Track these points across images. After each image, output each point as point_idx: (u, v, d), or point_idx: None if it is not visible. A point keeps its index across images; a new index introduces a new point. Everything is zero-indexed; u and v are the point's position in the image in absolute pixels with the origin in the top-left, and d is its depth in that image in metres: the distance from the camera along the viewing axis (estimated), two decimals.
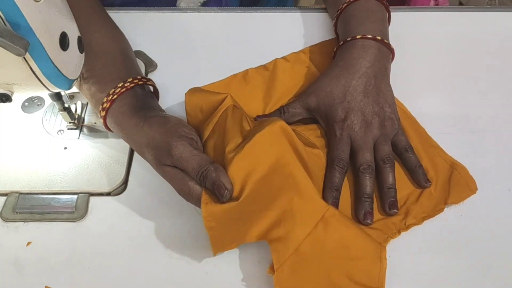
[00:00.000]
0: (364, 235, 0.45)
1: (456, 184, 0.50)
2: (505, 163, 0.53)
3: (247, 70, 0.60)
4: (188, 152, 0.45)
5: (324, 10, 0.70)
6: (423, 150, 0.53)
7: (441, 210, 0.49)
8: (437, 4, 0.89)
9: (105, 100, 0.49)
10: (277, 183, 0.45)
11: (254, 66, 0.61)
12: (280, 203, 0.44)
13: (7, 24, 0.37)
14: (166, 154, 0.45)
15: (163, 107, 0.53)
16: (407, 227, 0.48)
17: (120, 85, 0.50)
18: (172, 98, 0.58)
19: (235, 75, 0.60)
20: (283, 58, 0.62)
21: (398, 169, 0.52)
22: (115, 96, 0.49)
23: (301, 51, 0.63)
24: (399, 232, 0.48)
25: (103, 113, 0.50)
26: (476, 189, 0.50)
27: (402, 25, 0.67)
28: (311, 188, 0.45)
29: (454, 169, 0.51)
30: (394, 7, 0.71)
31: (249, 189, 0.44)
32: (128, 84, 0.50)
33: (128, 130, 0.48)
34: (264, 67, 0.61)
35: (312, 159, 0.49)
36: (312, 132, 0.54)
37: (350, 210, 0.50)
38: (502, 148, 0.54)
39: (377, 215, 0.49)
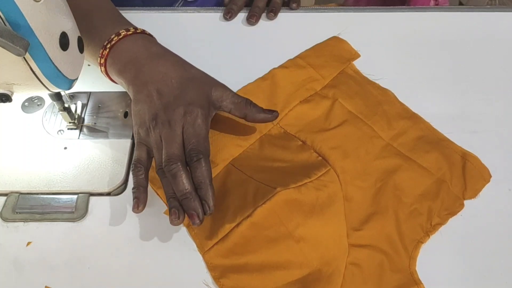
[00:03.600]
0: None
1: (471, 176, 0.51)
2: (505, 163, 0.53)
3: (246, 86, 0.59)
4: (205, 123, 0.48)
5: (324, 10, 0.70)
6: (432, 144, 0.53)
7: (462, 206, 0.49)
8: (437, 4, 0.89)
9: (114, 37, 0.51)
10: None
11: (254, 66, 0.61)
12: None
13: (7, 24, 0.37)
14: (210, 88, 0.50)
15: None
16: (433, 228, 0.48)
17: (126, 28, 0.52)
18: None
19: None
20: (281, 66, 0.61)
21: (411, 166, 0.52)
22: (130, 32, 0.52)
23: (297, 56, 0.63)
24: (427, 235, 0.48)
25: (116, 39, 0.51)
26: (490, 176, 0.51)
27: (402, 25, 0.67)
28: None
29: (466, 160, 0.52)
30: (394, 7, 0.71)
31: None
32: (134, 30, 0.52)
33: (151, 60, 0.50)
34: (262, 78, 0.60)
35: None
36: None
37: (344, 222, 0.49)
38: (502, 148, 0.54)
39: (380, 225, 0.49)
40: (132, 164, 0.48)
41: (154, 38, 0.55)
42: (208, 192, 0.45)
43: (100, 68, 0.53)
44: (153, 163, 0.49)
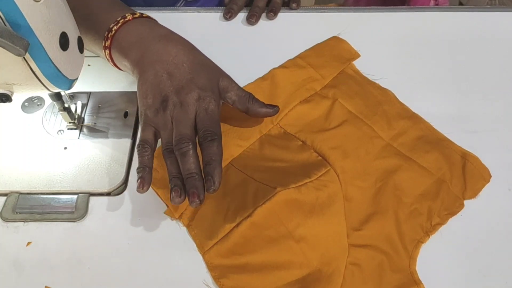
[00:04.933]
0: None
1: (471, 176, 0.51)
2: (505, 163, 0.53)
3: (246, 86, 0.59)
4: (217, 108, 0.49)
5: (324, 10, 0.70)
6: (432, 144, 0.53)
7: (462, 206, 0.49)
8: (437, 4, 0.89)
9: (120, 19, 0.52)
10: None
11: (254, 66, 0.61)
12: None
13: (7, 24, 0.37)
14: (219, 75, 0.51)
15: None
16: (433, 228, 0.48)
17: (131, 12, 0.53)
18: None
19: None
20: (281, 66, 0.61)
21: (411, 166, 0.52)
22: (136, 15, 0.52)
23: (297, 56, 0.63)
24: (427, 235, 0.48)
25: (122, 21, 0.52)
26: (490, 176, 0.51)
27: (402, 25, 0.67)
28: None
29: (466, 160, 0.52)
30: (394, 7, 0.71)
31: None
32: (140, 14, 0.53)
33: (159, 40, 0.50)
34: (262, 78, 0.60)
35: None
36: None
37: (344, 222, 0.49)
38: (502, 148, 0.54)
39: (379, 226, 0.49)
40: (139, 144, 0.47)
41: (159, 23, 0.55)
42: (217, 169, 0.45)
43: (104, 52, 0.53)
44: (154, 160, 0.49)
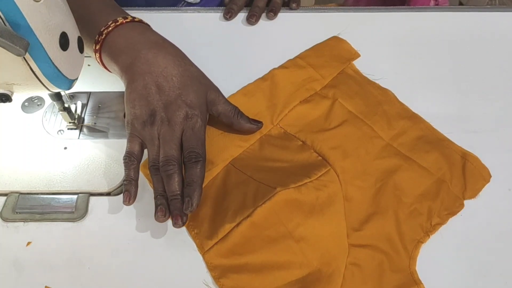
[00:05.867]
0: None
1: (471, 176, 0.51)
2: (505, 163, 0.53)
3: (246, 87, 0.59)
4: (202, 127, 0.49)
5: (324, 10, 0.70)
6: (432, 144, 0.53)
7: (462, 206, 0.50)
8: (437, 4, 0.89)
9: (111, 23, 0.52)
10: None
11: (254, 66, 0.61)
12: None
13: (7, 24, 0.37)
14: (209, 88, 0.51)
15: None
16: (433, 228, 0.48)
17: (123, 16, 0.52)
18: None
19: (234, 94, 0.58)
20: (281, 66, 0.61)
21: (411, 166, 0.52)
22: (128, 19, 0.52)
23: (297, 56, 0.63)
24: (427, 235, 0.48)
25: (113, 25, 0.51)
26: (490, 176, 0.51)
27: (402, 25, 0.67)
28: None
29: (466, 160, 0.52)
30: (394, 7, 0.71)
31: None
32: (132, 18, 0.53)
33: (149, 48, 0.50)
34: (262, 78, 0.60)
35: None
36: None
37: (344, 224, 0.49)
38: (502, 148, 0.54)
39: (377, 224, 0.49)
40: (125, 156, 0.48)
41: (151, 28, 0.55)
42: (196, 191, 0.46)
43: (95, 54, 0.53)
44: (143, 164, 0.50)
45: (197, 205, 0.46)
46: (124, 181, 0.47)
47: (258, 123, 0.53)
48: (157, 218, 0.46)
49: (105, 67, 0.54)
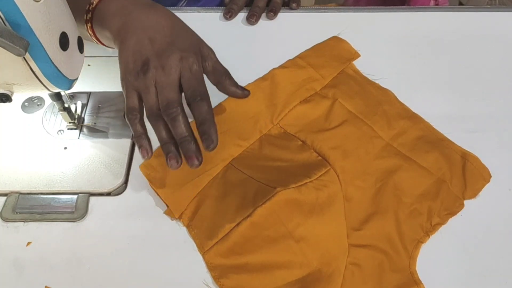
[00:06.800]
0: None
1: (471, 176, 0.51)
2: (505, 163, 0.53)
3: (246, 86, 0.58)
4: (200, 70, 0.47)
5: (324, 10, 0.70)
6: (432, 144, 0.53)
7: (462, 206, 0.50)
8: (437, 4, 0.89)
9: None
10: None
11: (254, 66, 0.61)
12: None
13: (7, 24, 0.37)
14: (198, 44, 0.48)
15: None
16: (433, 228, 0.48)
17: None
18: None
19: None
20: (281, 66, 0.61)
21: (411, 166, 0.52)
22: None
23: (297, 56, 0.63)
24: (427, 235, 0.48)
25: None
26: (490, 176, 0.51)
27: (402, 25, 0.67)
28: None
29: (466, 160, 0.52)
30: (394, 7, 0.71)
31: None
32: None
33: (141, 8, 0.49)
34: (262, 78, 0.60)
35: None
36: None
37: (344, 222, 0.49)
38: (502, 148, 0.54)
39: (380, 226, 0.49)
40: (127, 112, 0.47)
41: None
42: (212, 127, 0.45)
43: (86, 26, 0.52)
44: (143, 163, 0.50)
45: (217, 140, 0.44)
46: (134, 138, 0.47)
47: (244, 90, 0.51)
48: (170, 166, 0.45)
49: (98, 40, 0.53)
